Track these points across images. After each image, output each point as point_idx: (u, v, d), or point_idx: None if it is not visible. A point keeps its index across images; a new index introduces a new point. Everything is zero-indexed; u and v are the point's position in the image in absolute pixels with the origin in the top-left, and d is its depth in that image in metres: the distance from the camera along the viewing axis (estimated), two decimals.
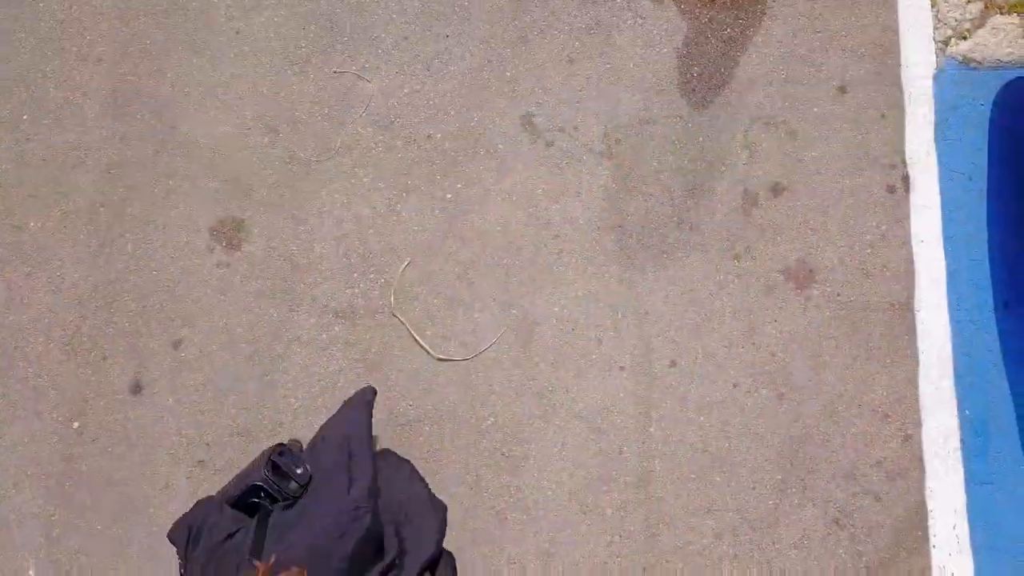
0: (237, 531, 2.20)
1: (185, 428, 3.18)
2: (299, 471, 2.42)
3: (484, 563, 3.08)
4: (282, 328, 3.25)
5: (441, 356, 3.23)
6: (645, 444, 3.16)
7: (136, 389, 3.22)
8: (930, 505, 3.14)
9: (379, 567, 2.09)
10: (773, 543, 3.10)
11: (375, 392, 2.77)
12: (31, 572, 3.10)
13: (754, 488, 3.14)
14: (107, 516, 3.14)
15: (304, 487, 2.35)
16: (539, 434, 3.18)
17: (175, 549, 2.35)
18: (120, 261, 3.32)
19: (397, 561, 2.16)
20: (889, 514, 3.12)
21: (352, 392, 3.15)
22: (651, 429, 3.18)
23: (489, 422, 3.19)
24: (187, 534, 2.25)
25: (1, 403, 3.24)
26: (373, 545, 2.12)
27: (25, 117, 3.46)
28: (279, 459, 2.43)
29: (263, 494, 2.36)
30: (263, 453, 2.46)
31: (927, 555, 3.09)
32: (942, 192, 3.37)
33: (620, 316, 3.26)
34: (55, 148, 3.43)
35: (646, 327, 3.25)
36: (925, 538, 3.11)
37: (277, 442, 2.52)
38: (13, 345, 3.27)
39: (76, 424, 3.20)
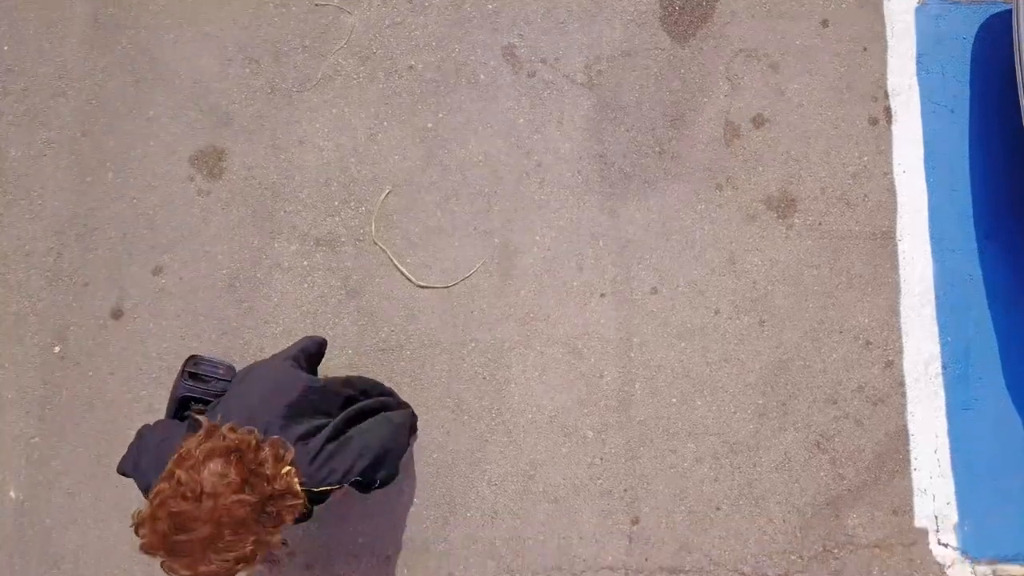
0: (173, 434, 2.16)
1: (166, 353, 3.17)
2: (220, 371, 2.39)
3: (465, 485, 3.08)
4: (262, 255, 3.25)
5: (422, 283, 3.22)
6: (626, 369, 3.16)
7: (117, 314, 3.21)
8: (911, 429, 3.14)
9: (320, 419, 2.06)
10: (754, 466, 3.10)
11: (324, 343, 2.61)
12: (11, 493, 3.09)
13: (735, 412, 3.14)
14: (88, 439, 3.13)
15: (230, 381, 2.30)
16: (520, 359, 3.17)
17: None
18: (101, 190, 3.31)
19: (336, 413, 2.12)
20: (870, 438, 3.12)
21: (331, 320, 3.16)
22: (632, 354, 3.17)
23: (470, 347, 3.19)
24: (132, 458, 2.19)
25: None
26: (317, 396, 2.09)
27: (6, 48, 3.45)
28: (196, 368, 2.39)
29: (193, 403, 2.33)
30: (180, 369, 2.41)
31: (908, 478, 3.10)
32: (924, 124, 3.38)
33: (601, 244, 3.26)
34: (36, 78, 3.42)
35: (627, 255, 3.25)
36: (906, 461, 3.11)
37: (188, 355, 2.44)
38: None
39: (57, 349, 3.19)
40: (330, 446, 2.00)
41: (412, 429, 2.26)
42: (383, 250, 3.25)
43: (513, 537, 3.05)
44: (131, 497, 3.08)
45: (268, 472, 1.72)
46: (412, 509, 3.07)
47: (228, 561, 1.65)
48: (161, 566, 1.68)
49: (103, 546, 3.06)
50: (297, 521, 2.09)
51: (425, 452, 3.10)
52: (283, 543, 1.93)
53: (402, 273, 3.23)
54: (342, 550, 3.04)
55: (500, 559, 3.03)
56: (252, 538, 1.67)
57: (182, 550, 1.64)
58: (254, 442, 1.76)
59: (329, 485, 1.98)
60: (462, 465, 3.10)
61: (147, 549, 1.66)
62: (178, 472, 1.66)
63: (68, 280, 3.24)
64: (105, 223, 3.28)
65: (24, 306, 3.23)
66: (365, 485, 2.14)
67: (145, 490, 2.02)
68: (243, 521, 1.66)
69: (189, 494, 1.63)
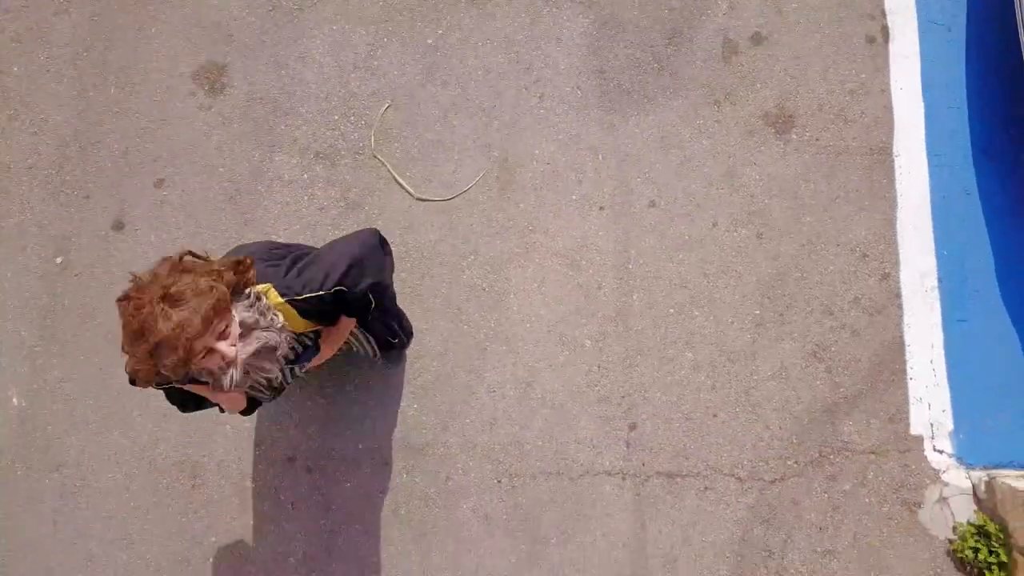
0: None
1: None
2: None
3: (464, 392, 3.10)
4: (263, 168, 3.27)
5: (422, 196, 3.24)
6: (624, 280, 3.18)
7: (118, 226, 3.23)
8: (908, 340, 3.16)
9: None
10: (751, 375, 3.12)
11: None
12: (14, 400, 3.12)
13: (732, 323, 3.16)
14: (89, 348, 3.16)
15: None
16: (519, 271, 3.20)
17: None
18: (102, 104, 3.33)
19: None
20: (867, 348, 3.14)
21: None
22: (630, 266, 3.20)
23: (470, 260, 3.21)
24: None
25: None
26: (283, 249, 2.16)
27: None
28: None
29: None
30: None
31: (904, 387, 3.12)
32: (921, 42, 3.39)
33: (600, 159, 3.28)
34: None
35: (626, 169, 3.27)
36: (902, 371, 3.13)
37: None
38: None
39: (59, 260, 3.21)
40: (299, 264, 2.04)
41: (382, 242, 2.26)
42: (383, 163, 3.26)
43: (512, 443, 3.07)
44: (131, 406, 3.11)
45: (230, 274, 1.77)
46: (411, 415, 3.09)
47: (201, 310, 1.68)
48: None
49: (105, 452, 3.09)
50: (273, 393, 2.12)
51: (424, 361, 3.13)
52: (280, 380, 1.97)
53: (401, 186, 3.25)
54: (342, 455, 3.06)
55: (499, 463, 3.06)
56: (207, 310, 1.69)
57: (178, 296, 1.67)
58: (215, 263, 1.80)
59: (312, 292, 2.00)
60: (461, 373, 3.13)
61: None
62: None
63: (70, 193, 3.26)
64: (107, 137, 3.30)
65: (26, 218, 3.25)
66: (361, 306, 2.16)
67: None
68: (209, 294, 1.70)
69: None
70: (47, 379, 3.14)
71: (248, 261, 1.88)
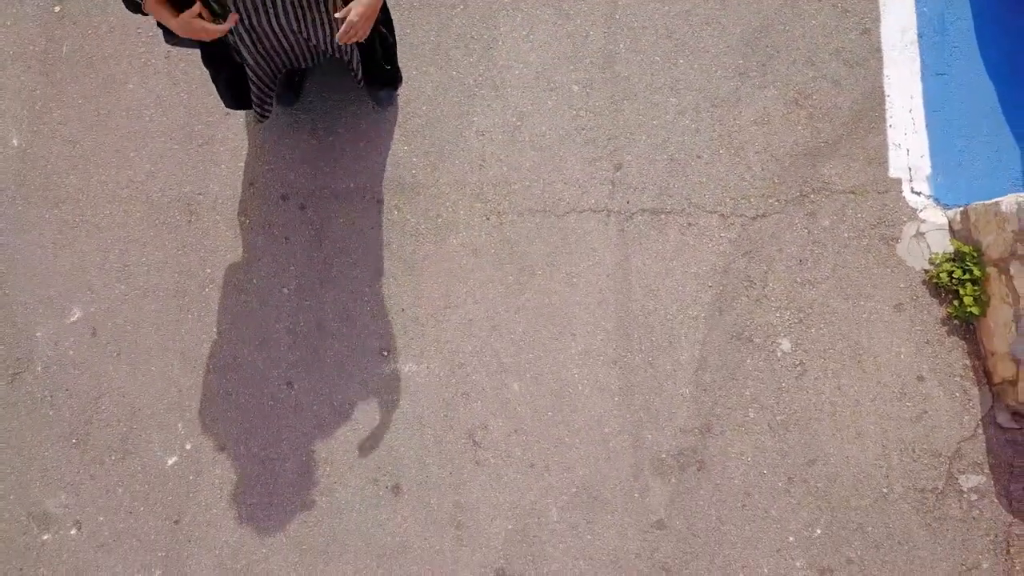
0: None
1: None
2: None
3: (454, 135, 3.17)
4: None
5: None
6: (610, 29, 3.25)
7: None
8: (887, 91, 3.23)
9: None
10: (734, 119, 3.19)
11: None
12: (14, 141, 3.19)
13: (716, 71, 3.23)
14: (88, 91, 3.23)
15: None
16: (508, 19, 3.26)
17: None
18: None
19: None
20: (847, 97, 3.21)
21: None
22: (617, 16, 3.26)
23: (459, 8, 3.27)
24: None
25: None
26: None
27: None
28: None
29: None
30: None
31: (883, 133, 3.19)
32: None
33: None
34: None
35: None
36: (882, 119, 3.20)
37: None
38: None
39: (57, 9, 3.28)
40: None
41: None
42: None
43: (500, 182, 3.15)
44: (129, 146, 3.18)
45: None
46: (402, 156, 3.17)
47: None
48: None
49: (104, 189, 3.16)
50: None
51: (415, 105, 3.20)
52: None
53: None
54: (334, 193, 3.14)
55: (487, 201, 3.14)
56: None
57: None
58: None
59: None
60: (450, 118, 3.20)
61: None
62: None
63: None
64: None
65: None
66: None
67: None
68: None
69: None
70: (47, 121, 3.21)
71: None
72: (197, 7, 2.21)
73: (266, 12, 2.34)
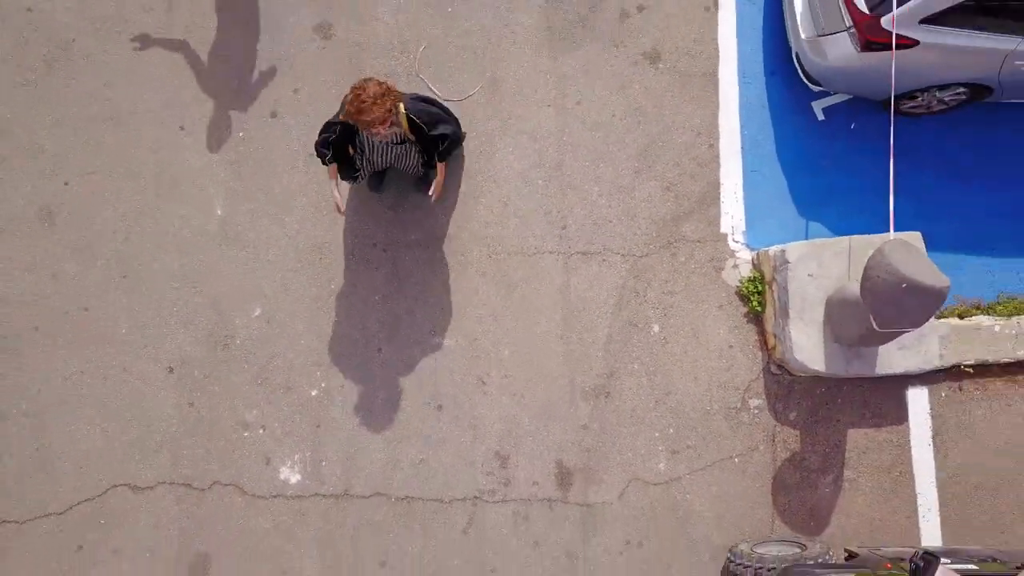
0: None
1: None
2: None
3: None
4: None
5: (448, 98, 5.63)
6: (561, 146, 5.59)
7: None
8: (722, 181, 5.58)
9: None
10: (631, 198, 5.52)
11: None
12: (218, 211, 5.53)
13: (623, 171, 5.57)
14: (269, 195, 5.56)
15: None
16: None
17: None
18: None
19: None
20: (698, 185, 5.55)
21: None
22: (564, 139, 5.60)
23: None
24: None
25: None
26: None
27: None
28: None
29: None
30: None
31: (718, 206, 5.54)
32: (737, 9, 5.77)
33: None
34: None
35: None
36: (718, 198, 5.55)
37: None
38: None
39: (241, 134, 5.61)
40: (421, 104, 4.54)
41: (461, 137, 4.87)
42: (423, 79, 5.65)
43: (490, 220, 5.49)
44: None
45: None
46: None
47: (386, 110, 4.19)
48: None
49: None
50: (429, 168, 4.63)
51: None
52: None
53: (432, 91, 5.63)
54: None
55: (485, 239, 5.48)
56: (389, 104, 4.19)
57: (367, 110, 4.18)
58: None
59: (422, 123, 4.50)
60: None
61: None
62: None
63: None
64: None
65: None
66: (440, 140, 4.66)
67: None
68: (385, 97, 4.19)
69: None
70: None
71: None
72: (334, 169, 4.61)
73: (381, 156, 4.71)
